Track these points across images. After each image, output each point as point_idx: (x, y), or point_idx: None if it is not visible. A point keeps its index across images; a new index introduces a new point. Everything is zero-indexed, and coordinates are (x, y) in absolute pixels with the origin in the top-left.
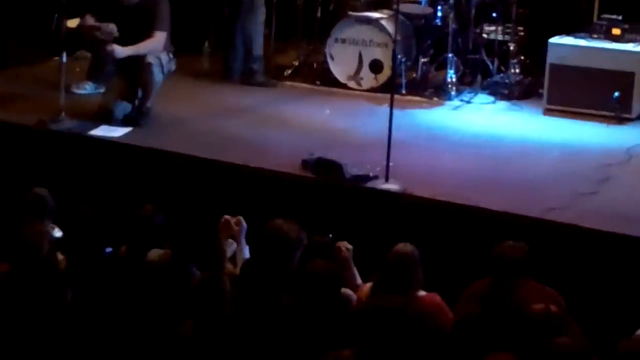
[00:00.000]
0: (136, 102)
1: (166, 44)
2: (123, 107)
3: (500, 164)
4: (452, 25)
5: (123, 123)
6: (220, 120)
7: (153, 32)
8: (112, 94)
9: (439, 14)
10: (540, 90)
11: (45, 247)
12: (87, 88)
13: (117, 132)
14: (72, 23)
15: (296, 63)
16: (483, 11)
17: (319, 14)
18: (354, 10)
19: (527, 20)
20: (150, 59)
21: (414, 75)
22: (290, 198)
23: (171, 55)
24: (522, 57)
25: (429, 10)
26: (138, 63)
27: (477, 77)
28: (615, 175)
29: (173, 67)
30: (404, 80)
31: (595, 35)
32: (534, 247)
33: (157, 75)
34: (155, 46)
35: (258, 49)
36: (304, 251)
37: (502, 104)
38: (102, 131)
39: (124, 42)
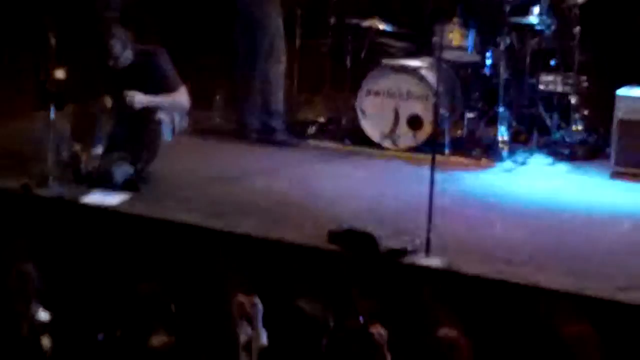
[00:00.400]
0: (139, 165)
1: None
2: (124, 170)
3: (560, 236)
4: (503, 75)
5: (122, 188)
6: (234, 184)
7: (175, 89)
8: (111, 154)
9: (488, 61)
10: (607, 150)
11: (25, 329)
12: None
13: (113, 198)
14: (61, 73)
15: (322, 119)
16: (540, 58)
17: (348, 63)
18: (389, 58)
19: (592, 68)
20: (162, 115)
21: (460, 132)
22: (315, 275)
23: (184, 112)
24: (586, 112)
25: (477, 57)
26: (146, 119)
27: (534, 134)
28: None
29: (185, 124)
30: (447, 138)
31: None
32: (602, 332)
33: (167, 136)
34: (181, 101)
35: (278, 102)
36: (331, 336)
37: (563, 166)
38: (97, 198)
39: (123, 109)
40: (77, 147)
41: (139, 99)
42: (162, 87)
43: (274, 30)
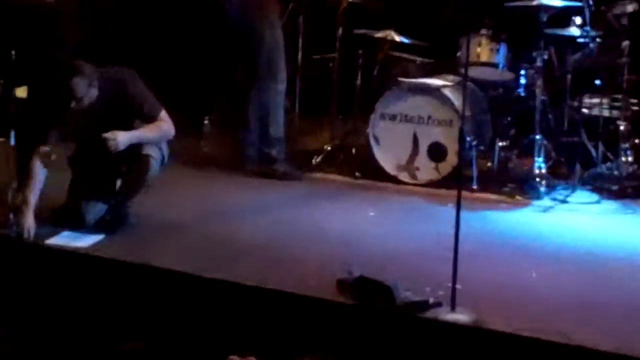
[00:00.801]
0: (113, 200)
1: None
2: (96, 208)
3: (606, 286)
4: (540, 97)
5: (94, 229)
6: (226, 224)
7: (156, 116)
8: (82, 190)
9: (523, 81)
10: None
11: None
12: None
13: (84, 240)
14: (23, 92)
15: (329, 148)
16: (582, 78)
17: (358, 81)
18: (406, 76)
19: None
20: (150, 150)
21: (489, 164)
22: (321, 331)
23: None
24: (637, 140)
25: (509, 75)
26: (132, 156)
27: (576, 167)
28: None
29: (167, 154)
30: (475, 172)
31: None
32: None
33: (155, 173)
34: (167, 130)
35: (278, 128)
36: None
37: (610, 204)
38: (65, 239)
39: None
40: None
41: (122, 139)
42: (140, 116)
43: (272, 44)
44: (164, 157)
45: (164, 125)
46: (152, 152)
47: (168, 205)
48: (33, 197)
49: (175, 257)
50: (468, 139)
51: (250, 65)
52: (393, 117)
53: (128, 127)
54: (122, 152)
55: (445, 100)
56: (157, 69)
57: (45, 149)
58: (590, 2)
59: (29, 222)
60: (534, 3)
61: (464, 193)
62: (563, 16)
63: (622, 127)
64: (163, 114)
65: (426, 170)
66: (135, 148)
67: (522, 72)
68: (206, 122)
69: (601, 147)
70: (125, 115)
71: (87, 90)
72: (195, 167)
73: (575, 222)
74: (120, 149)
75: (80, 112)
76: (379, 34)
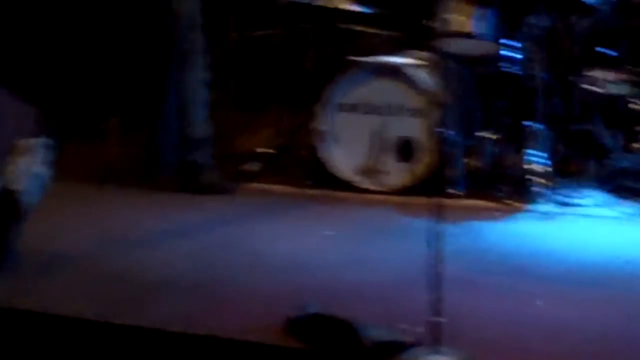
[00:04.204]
0: None
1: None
2: None
3: (627, 316)
4: (540, 74)
5: None
6: (141, 253)
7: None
8: None
9: (518, 55)
10: None
11: None
12: None
13: None
14: None
15: (271, 150)
16: (594, 47)
17: (307, 63)
18: (368, 55)
19: None
20: (15, 185)
21: (477, 162)
22: None
23: (49, 142)
24: None
25: (499, 49)
26: None
27: (589, 162)
28: None
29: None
30: (459, 172)
31: None
32: None
33: (34, 198)
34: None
35: (201, 127)
36: None
37: (634, 208)
38: None
39: None
40: None
41: None
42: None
43: (188, 19)
44: (41, 178)
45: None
46: (17, 184)
47: (60, 233)
48: None
49: (75, 301)
50: (450, 131)
51: (162, 49)
52: (352, 108)
53: None
54: None
55: (419, 84)
56: (46, 57)
57: None
58: None
59: None
60: None
61: (447, 201)
62: None
63: None
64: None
65: (396, 173)
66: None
67: (518, 44)
68: (112, 122)
69: (621, 137)
70: None
71: None
72: (96, 182)
73: (590, 233)
74: None
75: None
76: (331, 3)
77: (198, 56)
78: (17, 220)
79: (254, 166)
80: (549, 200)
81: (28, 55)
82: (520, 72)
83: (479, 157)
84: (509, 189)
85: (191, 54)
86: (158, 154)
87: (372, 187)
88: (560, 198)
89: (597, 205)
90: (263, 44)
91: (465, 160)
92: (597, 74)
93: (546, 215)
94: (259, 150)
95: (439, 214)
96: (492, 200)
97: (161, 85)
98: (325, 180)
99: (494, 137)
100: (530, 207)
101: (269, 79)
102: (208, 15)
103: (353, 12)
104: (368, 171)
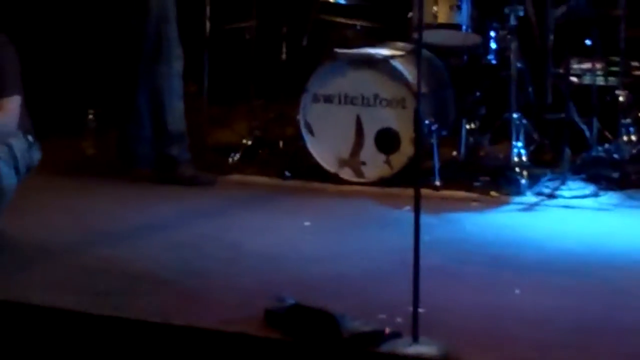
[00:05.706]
0: None
1: (23, 118)
2: None
3: (607, 305)
4: (516, 64)
5: None
6: (120, 246)
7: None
8: None
9: (493, 45)
10: None
11: None
12: None
13: None
14: None
15: (249, 142)
16: (569, 36)
17: (284, 55)
18: (344, 46)
19: None
20: None
21: (455, 153)
22: None
23: (31, 139)
24: None
25: (476, 39)
26: None
27: (565, 151)
28: None
29: (36, 157)
30: (437, 163)
31: None
32: None
33: (8, 180)
34: (4, 122)
35: (176, 120)
36: None
37: (610, 197)
38: None
39: None
40: None
41: None
42: None
43: (161, 10)
44: (16, 159)
45: (5, 113)
46: None
47: (38, 225)
48: None
49: (54, 291)
50: (426, 122)
51: (135, 42)
52: (330, 99)
53: None
54: None
55: (396, 74)
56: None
57: None
58: None
59: None
60: None
61: (425, 191)
62: None
63: (621, 98)
64: (14, 100)
65: (374, 164)
66: None
67: (492, 34)
68: (89, 117)
69: (596, 125)
70: None
71: None
72: (74, 175)
73: (567, 222)
74: None
75: None
76: None
77: (171, 48)
78: None
79: (233, 159)
80: (527, 191)
81: None
82: (495, 62)
83: (456, 148)
84: (487, 180)
85: (166, 46)
86: (130, 147)
87: (350, 179)
88: (538, 188)
89: (574, 196)
90: (238, 36)
91: (443, 150)
92: (573, 63)
93: (523, 205)
94: (236, 142)
95: (417, 205)
96: (470, 191)
97: (131, 78)
98: (304, 172)
99: (470, 127)
100: (507, 197)
101: (243, 71)
102: (182, 6)
103: (329, 2)
104: (346, 162)
